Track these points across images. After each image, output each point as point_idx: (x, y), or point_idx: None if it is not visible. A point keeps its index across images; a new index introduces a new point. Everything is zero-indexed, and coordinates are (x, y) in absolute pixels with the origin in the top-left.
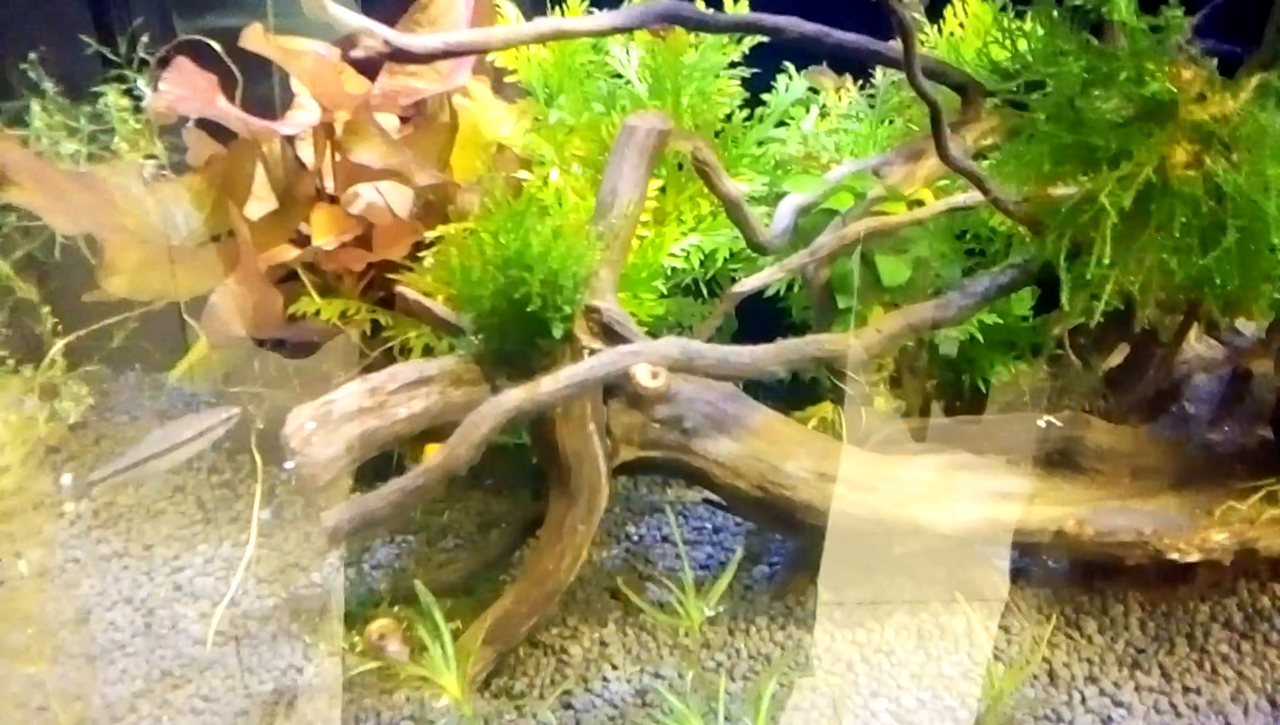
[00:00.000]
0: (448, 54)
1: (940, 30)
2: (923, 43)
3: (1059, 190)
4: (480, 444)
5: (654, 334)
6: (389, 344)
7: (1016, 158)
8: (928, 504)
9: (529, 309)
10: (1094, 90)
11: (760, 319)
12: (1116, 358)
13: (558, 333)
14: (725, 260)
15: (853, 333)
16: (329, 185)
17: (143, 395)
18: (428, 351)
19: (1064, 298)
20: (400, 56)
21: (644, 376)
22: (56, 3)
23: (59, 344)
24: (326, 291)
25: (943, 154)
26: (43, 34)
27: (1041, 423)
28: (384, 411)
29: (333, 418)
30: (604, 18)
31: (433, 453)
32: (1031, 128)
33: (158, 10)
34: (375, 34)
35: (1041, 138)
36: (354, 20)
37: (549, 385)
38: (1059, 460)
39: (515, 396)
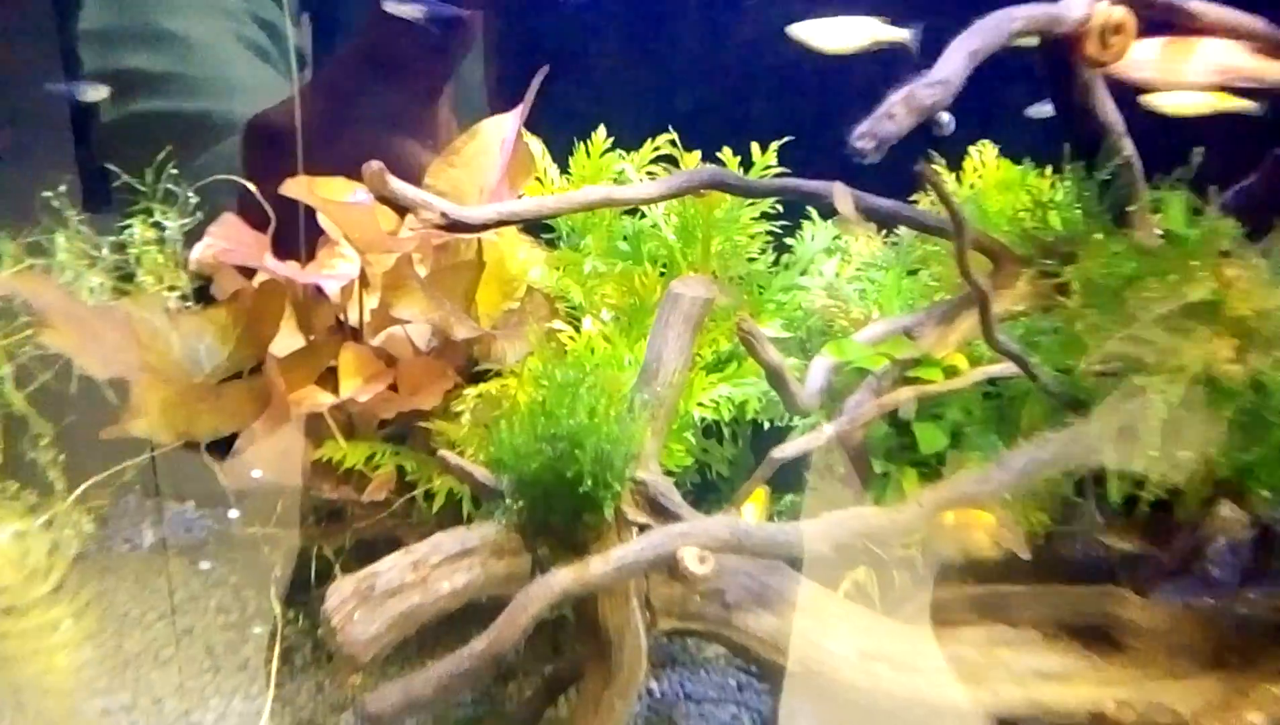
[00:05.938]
0: (501, 223)
1: (959, 179)
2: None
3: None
4: (528, 627)
5: (679, 482)
6: (412, 492)
7: (1065, 348)
8: (971, 683)
9: (581, 489)
10: (1140, 286)
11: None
12: None
13: (608, 512)
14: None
15: (894, 507)
16: (352, 317)
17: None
18: (450, 499)
19: (1111, 487)
20: (458, 228)
21: (692, 561)
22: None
23: (78, 490)
24: (346, 429)
25: (990, 340)
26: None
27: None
28: (427, 587)
29: (375, 594)
30: (651, 187)
31: None
32: (1081, 319)
33: None
34: (433, 206)
35: (1090, 331)
36: (414, 194)
37: (599, 567)
38: (1096, 635)
39: (563, 579)
